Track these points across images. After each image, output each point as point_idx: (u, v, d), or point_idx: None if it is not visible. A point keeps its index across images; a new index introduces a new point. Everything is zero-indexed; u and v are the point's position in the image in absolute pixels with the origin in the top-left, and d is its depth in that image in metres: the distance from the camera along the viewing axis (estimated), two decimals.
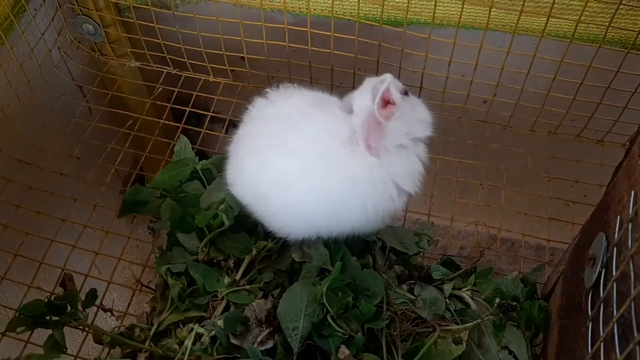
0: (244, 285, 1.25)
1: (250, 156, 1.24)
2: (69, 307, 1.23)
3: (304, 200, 1.19)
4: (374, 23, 1.58)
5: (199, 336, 1.06)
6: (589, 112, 1.57)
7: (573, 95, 1.53)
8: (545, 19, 1.39)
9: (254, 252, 1.30)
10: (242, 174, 1.28)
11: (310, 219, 1.22)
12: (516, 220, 1.56)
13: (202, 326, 1.10)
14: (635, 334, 0.73)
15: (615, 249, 0.88)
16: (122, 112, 1.78)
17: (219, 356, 1.05)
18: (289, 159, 1.17)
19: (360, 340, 1.14)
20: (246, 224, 1.39)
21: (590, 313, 0.93)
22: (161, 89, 1.80)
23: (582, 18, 1.37)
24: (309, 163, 1.16)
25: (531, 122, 1.66)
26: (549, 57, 1.46)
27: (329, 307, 1.17)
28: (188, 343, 1.02)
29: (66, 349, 1.21)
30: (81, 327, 1.26)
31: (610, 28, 1.38)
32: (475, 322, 1.24)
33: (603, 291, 0.89)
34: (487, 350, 1.24)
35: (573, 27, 1.42)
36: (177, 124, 1.74)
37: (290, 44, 1.64)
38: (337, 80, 1.72)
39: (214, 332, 1.06)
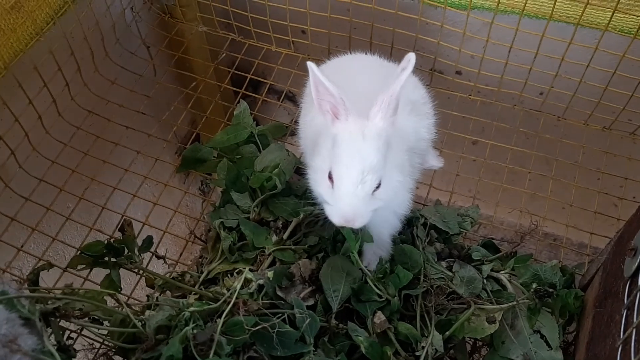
0: (289, 245, 1.31)
1: None
2: (126, 251, 1.31)
3: None
4: (438, 4, 1.60)
5: (247, 282, 1.13)
6: None
7: (631, 92, 1.52)
8: (610, 12, 1.39)
9: (302, 215, 1.36)
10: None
11: None
12: (561, 211, 1.57)
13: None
14: None
15: None
16: (187, 73, 1.85)
17: (266, 301, 1.11)
18: None
19: (395, 304, 1.19)
20: (296, 190, 1.45)
21: (626, 301, 0.96)
22: (225, 54, 1.87)
23: None
24: None
25: (586, 115, 1.66)
26: (611, 51, 1.46)
27: (367, 272, 1.23)
28: (237, 285, 1.09)
29: (121, 288, 1.29)
30: (136, 270, 1.35)
31: None
32: (510, 303, 1.26)
33: None
34: (519, 333, 1.27)
35: (638, 23, 1.41)
36: (238, 89, 1.80)
37: (353, 19, 1.67)
38: (396, 60, 1.74)
39: (261, 280, 1.13)
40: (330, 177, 1.07)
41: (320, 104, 1.09)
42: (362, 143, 1.04)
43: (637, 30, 1.42)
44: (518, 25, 1.50)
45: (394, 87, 1.05)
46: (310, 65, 1.06)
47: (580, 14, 1.43)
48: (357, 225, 1.07)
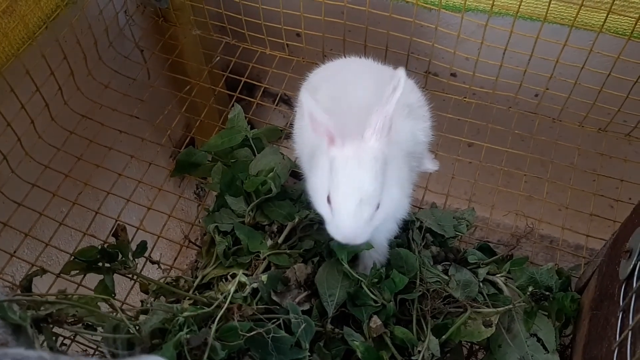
0: (285, 249, 1.31)
1: None
2: (120, 256, 1.31)
3: None
4: (432, 7, 1.60)
5: (241, 286, 1.12)
6: None
7: (626, 94, 1.52)
8: (605, 14, 1.39)
9: (297, 219, 1.35)
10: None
11: None
12: (557, 213, 1.56)
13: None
14: None
15: None
16: (181, 77, 1.85)
17: (261, 306, 1.10)
18: None
19: (391, 309, 1.19)
20: (291, 194, 1.45)
21: (621, 304, 0.95)
22: (219, 58, 1.86)
23: None
24: None
25: (581, 117, 1.66)
26: (605, 52, 1.46)
27: (362, 279, 1.22)
28: (231, 288, 1.08)
29: (115, 294, 1.28)
30: (130, 276, 1.34)
31: None
32: (507, 307, 1.26)
33: (636, 282, 0.91)
34: (516, 336, 1.27)
35: (633, 24, 1.41)
36: (232, 93, 1.80)
37: (347, 22, 1.67)
38: (390, 63, 1.74)
39: (255, 284, 1.12)
40: (329, 199, 1.07)
41: (315, 129, 1.08)
42: (359, 171, 1.04)
43: (632, 32, 1.42)
44: (512, 27, 1.50)
45: (387, 107, 1.04)
46: (305, 96, 1.04)
47: (574, 15, 1.43)
48: (358, 242, 1.07)
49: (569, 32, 1.47)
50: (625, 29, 1.50)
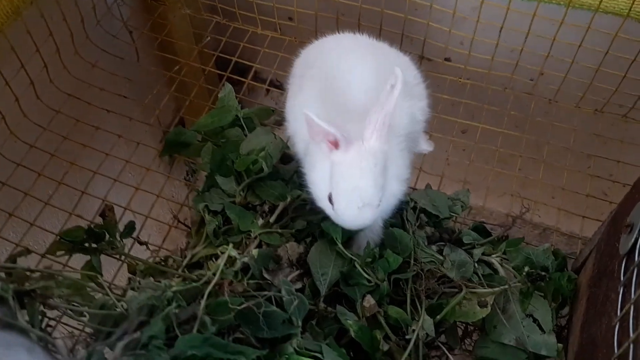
0: (276, 229, 1.28)
1: None
2: (107, 236, 1.27)
3: None
4: None
5: (231, 263, 1.09)
6: (638, 92, 1.53)
7: (623, 73, 1.50)
8: None
9: (289, 199, 1.32)
10: None
11: None
12: (552, 195, 1.55)
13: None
14: None
15: None
16: (170, 56, 1.81)
17: (253, 281, 1.07)
18: None
19: (385, 288, 1.17)
20: (283, 173, 1.41)
21: (622, 279, 0.93)
22: (209, 37, 1.82)
23: None
24: None
25: (578, 98, 1.64)
26: (603, 30, 1.43)
27: (356, 259, 1.19)
28: (221, 263, 1.05)
29: (102, 275, 1.25)
30: (117, 256, 1.30)
31: None
32: (502, 287, 1.24)
33: (638, 256, 0.89)
34: (511, 317, 1.24)
35: (630, 2, 1.38)
36: (223, 73, 1.76)
37: (340, 0, 1.64)
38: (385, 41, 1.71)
39: (246, 259, 1.09)
40: (330, 199, 1.08)
41: (315, 138, 1.07)
42: (360, 181, 1.04)
43: (629, 10, 1.40)
44: (509, 5, 1.48)
45: (387, 106, 1.03)
46: (307, 114, 1.03)
47: None
48: (362, 227, 1.10)
49: (565, 11, 1.44)
50: (622, 8, 1.47)
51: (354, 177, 1.04)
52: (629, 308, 0.84)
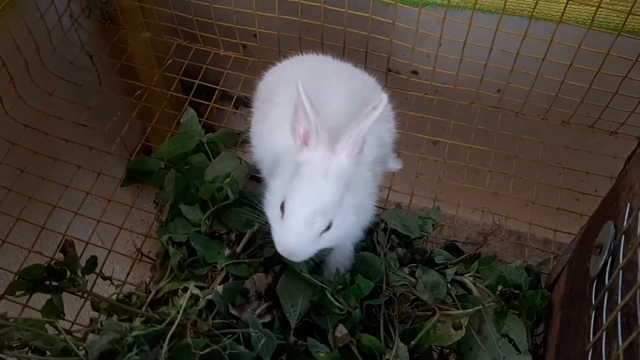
0: (244, 258, 1.24)
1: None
2: (68, 273, 1.22)
3: None
4: (389, 1, 1.55)
5: (195, 300, 1.05)
6: (604, 102, 1.53)
7: (588, 84, 1.50)
8: (564, 4, 1.36)
9: (256, 226, 1.28)
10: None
11: None
12: (524, 209, 1.53)
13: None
14: None
15: (623, 237, 0.86)
16: (131, 81, 1.76)
17: (218, 320, 1.03)
18: None
19: (357, 316, 1.14)
20: (250, 200, 1.38)
21: (594, 302, 0.91)
22: (171, 60, 1.78)
23: (602, 5, 1.34)
24: None
25: (544, 110, 1.63)
26: (566, 43, 1.43)
27: (326, 286, 1.16)
28: (183, 302, 1.01)
29: (64, 314, 1.20)
30: (80, 294, 1.26)
31: (630, 16, 1.35)
32: (476, 308, 1.22)
33: (608, 279, 0.87)
34: (487, 337, 1.23)
35: (592, 13, 1.39)
36: (186, 96, 1.72)
37: (302, 19, 1.61)
38: (349, 61, 1.69)
39: (210, 295, 1.05)
40: (282, 206, 1.04)
41: (295, 126, 1.06)
42: (322, 181, 1.02)
43: (592, 21, 1.40)
44: (471, 20, 1.47)
45: (363, 124, 1.02)
46: (299, 85, 1.01)
47: (533, 6, 1.40)
48: (297, 260, 1.06)
49: (528, 24, 1.44)
50: (585, 19, 1.48)
51: (317, 177, 1.02)
52: (602, 335, 0.82)
